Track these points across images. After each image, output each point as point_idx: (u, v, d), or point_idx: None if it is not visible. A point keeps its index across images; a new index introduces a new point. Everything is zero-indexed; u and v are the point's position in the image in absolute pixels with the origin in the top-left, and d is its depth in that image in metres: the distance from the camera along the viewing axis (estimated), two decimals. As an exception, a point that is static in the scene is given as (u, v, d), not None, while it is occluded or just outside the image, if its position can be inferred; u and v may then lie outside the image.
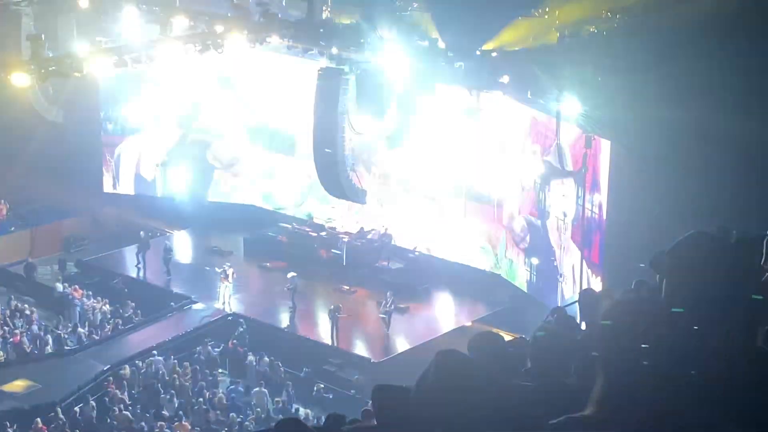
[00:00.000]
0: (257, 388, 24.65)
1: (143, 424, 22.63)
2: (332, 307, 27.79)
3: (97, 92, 35.07)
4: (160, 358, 25.69)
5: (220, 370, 26.27)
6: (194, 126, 35.98)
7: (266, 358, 26.15)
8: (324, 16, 27.80)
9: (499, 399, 3.33)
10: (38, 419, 22.02)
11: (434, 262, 31.20)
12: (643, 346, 2.64)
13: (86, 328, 27.91)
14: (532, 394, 3.84)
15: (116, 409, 23.15)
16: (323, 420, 5.84)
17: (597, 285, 23.79)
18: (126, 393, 24.28)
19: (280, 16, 27.70)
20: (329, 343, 27.54)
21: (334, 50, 26.44)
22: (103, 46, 26.85)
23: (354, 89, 26.03)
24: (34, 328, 27.64)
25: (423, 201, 32.02)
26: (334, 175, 27.11)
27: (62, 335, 27.35)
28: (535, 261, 28.75)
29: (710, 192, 19.75)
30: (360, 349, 27.48)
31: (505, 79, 27.38)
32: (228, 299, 29.31)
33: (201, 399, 23.90)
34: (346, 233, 32.57)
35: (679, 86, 20.12)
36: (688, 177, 20.70)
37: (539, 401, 3.68)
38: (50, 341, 26.96)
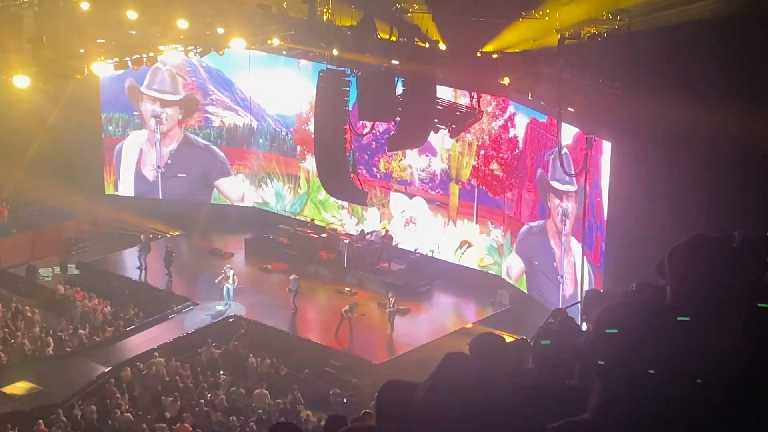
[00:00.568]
0: (258, 390, 24.63)
1: (144, 426, 22.60)
2: (347, 307, 27.91)
3: (98, 94, 35.11)
4: (161, 359, 25.69)
5: (221, 372, 26.27)
6: (195, 126, 36.01)
7: (267, 360, 26.17)
8: (325, 17, 27.82)
9: (500, 401, 3.32)
10: (39, 421, 21.99)
11: (435, 263, 31.22)
12: (643, 351, 2.62)
13: (87, 330, 27.91)
14: (533, 396, 3.83)
15: (117, 411, 23.13)
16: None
17: (598, 286, 23.80)
18: (127, 395, 24.28)
19: (280, 17, 27.73)
20: (339, 343, 27.62)
21: (335, 52, 26.45)
22: (104, 48, 26.82)
23: (355, 91, 26.02)
24: (36, 330, 27.64)
25: (424, 202, 32.05)
26: (336, 176, 27.11)
27: (63, 337, 27.35)
28: (536, 262, 28.76)
29: (712, 193, 19.74)
30: (361, 351, 27.47)
31: (506, 80, 27.45)
32: (229, 301, 29.33)
33: (202, 401, 23.89)
34: (346, 235, 32.61)
35: (681, 86, 20.11)
36: (690, 178, 20.69)
37: (540, 403, 3.67)
38: (51, 343, 26.95)
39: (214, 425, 23.14)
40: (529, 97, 27.99)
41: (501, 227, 30.25)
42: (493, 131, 29.83)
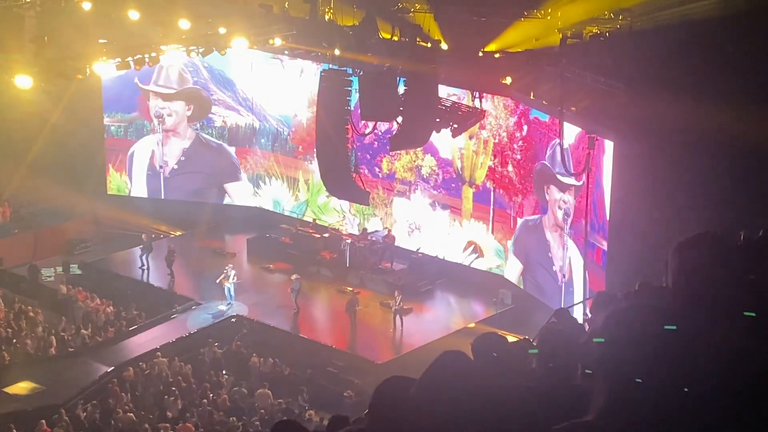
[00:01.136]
0: (260, 390, 24.63)
1: (147, 425, 22.59)
2: (350, 298, 27.94)
3: (100, 94, 35.13)
4: (163, 359, 25.69)
5: (223, 372, 26.26)
6: (196, 128, 36.01)
7: (270, 360, 26.18)
8: (327, 17, 27.81)
9: (501, 402, 3.30)
10: (42, 421, 22.00)
11: (437, 263, 31.21)
12: (648, 355, 2.61)
13: (90, 330, 27.91)
14: (537, 396, 3.82)
15: (120, 410, 23.13)
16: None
17: (597, 285, 23.79)
18: (129, 395, 24.28)
19: (282, 17, 27.73)
20: (345, 336, 27.74)
21: (337, 52, 26.44)
22: (106, 48, 26.83)
23: (357, 91, 26.02)
24: (38, 330, 27.64)
25: (425, 202, 32.03)
26: (338, 176, 27.09)
27: (66, 337, 27.36)
28: (532, 255, 28.76)
29: (714, 192, 19.72)
30: (364, 350, 27.47)
31: (508, 80, 27.42)
32: (231, 300, 29.33)
33: (205, 401, 23.88)
34: (349, 235, 32.61)
35: (683, 85, 20.08)
36: (692, 177, 20.67)
37: (544, 404, 3.67)
38: (54, 343, 26.96)
39: (216, 425, 23.12)
40: (531, 97, 27.97)
41: (504, 227, 30.21)
42: (509, 128, 29.42)
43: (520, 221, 29.32)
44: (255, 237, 33.80)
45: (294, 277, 29.35)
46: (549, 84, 26.24)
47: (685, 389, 2.56)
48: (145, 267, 31.98)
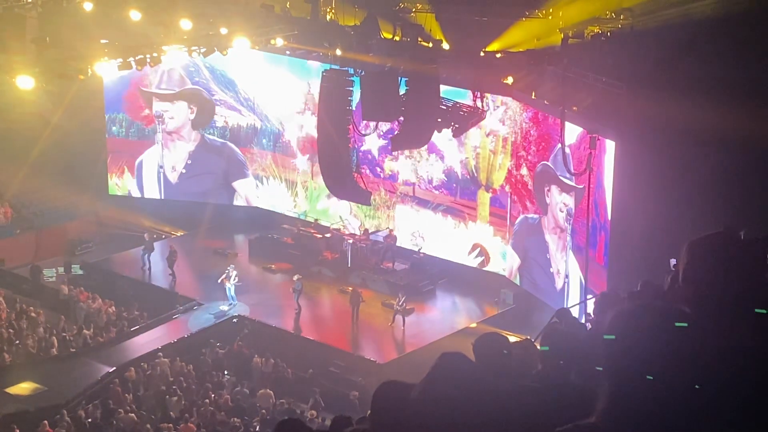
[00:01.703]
0: (262, 390, 24.64)
1: (148, 426, 22.61)
2: (350, 290, 27.92)
3: (101, 95, 35.13)
4: (165, 360, 25.70)
5: (225, 372, 26.27)
6: (198, 128, 36.02)
7: (272, 360, 26.18)
8: (328, 17, 27.81)
9: (502, 404, 3.30)
10: (44, 422, 22.01)
11: (439, 263, 31.20)
12: (653, 356, 2.60)
13: (91, 330, 27.93)
14: (540, 397, 3.82)
15: (121, 411, 23.14)
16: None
17: (597, 285, 23.77)
18: (131, 395, 24.29)
19: (284, 17, 27.73)
20: (347, 336, 27.80)
21: (339, 52, 26.44)
22: (108, 49, 26.84)
23: (358, 91, 26.02)
24: (40, 330, 27.66)
25: (427, 202, 32.01)
26: (339, 176, 27.09)
27: (67, 337, 27.37)
28: (540, 262, 28.73)
29: (716, 192, 19.71)
30: (366, 351, 27.47)
31: (509, 80, 27.39)
32: (234, 300, 29.34)
33: (206, 401, 23.89)
34: (350, 235, 32.60)
35: (685, 85, 20.08)
36: (694, 177, 20.66)
37: (548, 404, 3.66)
38: (56, 343, 26.97)
39: (218, 425, 23.13)
40: (533, 96, 27.96)
41: (506, 227, 30.19)
42: (524, 125, 28.91)
43: (520, 216, 29.29)
44: (257, 237, 33.80)
45: (296, 277, 29.35)
46: (550, 84, 26.23)
47: (696, 386, 2.55)
48: (146, 266, 32.00)
